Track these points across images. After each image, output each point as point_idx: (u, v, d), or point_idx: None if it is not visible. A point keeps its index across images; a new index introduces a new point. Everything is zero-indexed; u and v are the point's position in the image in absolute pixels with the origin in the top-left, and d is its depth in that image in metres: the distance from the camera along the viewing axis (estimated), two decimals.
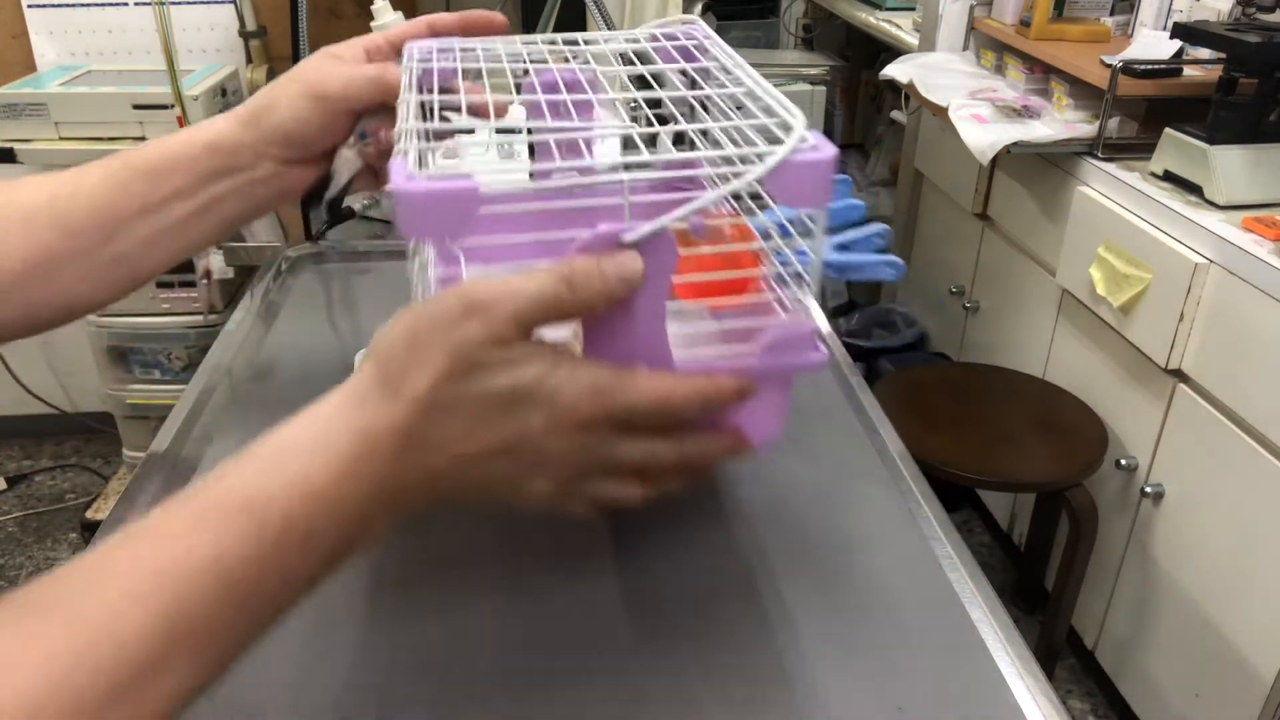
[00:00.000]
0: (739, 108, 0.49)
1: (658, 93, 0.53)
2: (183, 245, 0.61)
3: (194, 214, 0.61)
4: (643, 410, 0.43)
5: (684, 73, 0.56)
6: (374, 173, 0.66)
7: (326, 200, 0.66)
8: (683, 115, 0.50)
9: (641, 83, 0.54)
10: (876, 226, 0.59)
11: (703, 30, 0.60)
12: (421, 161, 0.45)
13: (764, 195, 0.46)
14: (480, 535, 0.60)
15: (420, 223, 0.42)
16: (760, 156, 0.43)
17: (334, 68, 0.62)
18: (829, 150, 0.43)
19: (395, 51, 0.64)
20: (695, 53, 0.58)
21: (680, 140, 0.49)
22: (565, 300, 0.41)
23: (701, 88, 0.52)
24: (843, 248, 0.59)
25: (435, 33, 0.65)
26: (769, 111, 0.47)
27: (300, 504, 0.38)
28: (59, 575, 0.36)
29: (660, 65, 0.58)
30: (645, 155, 0.45)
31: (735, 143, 0.46)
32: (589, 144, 0.54)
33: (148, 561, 0.36)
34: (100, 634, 0.34)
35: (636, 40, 0.61)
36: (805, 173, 0.43)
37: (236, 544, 0.37)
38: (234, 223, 0.63)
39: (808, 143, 0.43)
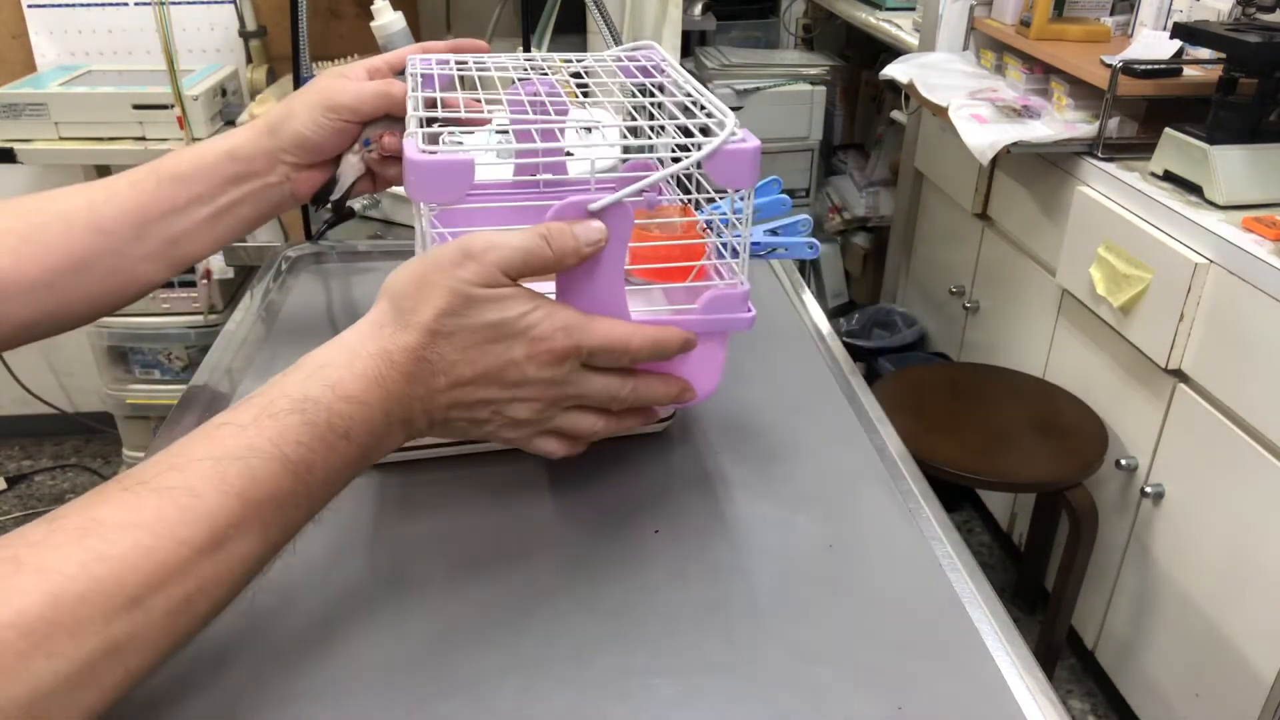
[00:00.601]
0: (686, 111, 0.60)
1: (623, 99, 0.64)
2: (207, 242, 0.70)
3: (214, 215, 0.69)
4: (605, 349, 0.52)
5: (643, 86, 0.69)
6: (373, 177, 0.74)
7: (332, 201, 0.74)
8: (641, 116, 0.60)
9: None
10: (801, 216, 0.68)
11: (659, 54, 0.72)
12: (426, 142, 0.55)
13: (708, 188, 0.60)
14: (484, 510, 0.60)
15: (427, 187, 0.52)
16: (699, 146, 0.54)
17: (345, 84, 0.70)
18: (754, 142, 0.55)
19: (394, 73, 0.73)
20: (653, 70, 0.70)
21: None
22: (544, 253, 0.50)
23: (657, 96, 0.64)
24: (772, 233, 0.68)
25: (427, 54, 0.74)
26: (709, 114, 0.58)
27: (340, 406, 0.47)
28: (151, 461, 0.44)
29: (623, 79, 0.71)
30: (614, 142, 0.57)
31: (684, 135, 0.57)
32: (561, 133, 0.67)
33: (225, 448, 0.44)
34: (185, 506, 0.41)
35: (604, 60, 0.72)
36: (735, 158, 0.54)
37: (293, 435, 0.45)
38: (250, 223, 0.72)
39: (737, 136, 0.55)
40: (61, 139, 1.91)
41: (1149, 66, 1.52)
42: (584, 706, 0.48)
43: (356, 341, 0.49)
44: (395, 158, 0.73)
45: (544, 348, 0.50)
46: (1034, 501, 1.80)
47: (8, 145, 1.88)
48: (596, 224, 0.52)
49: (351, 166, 0.73)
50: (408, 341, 0.48)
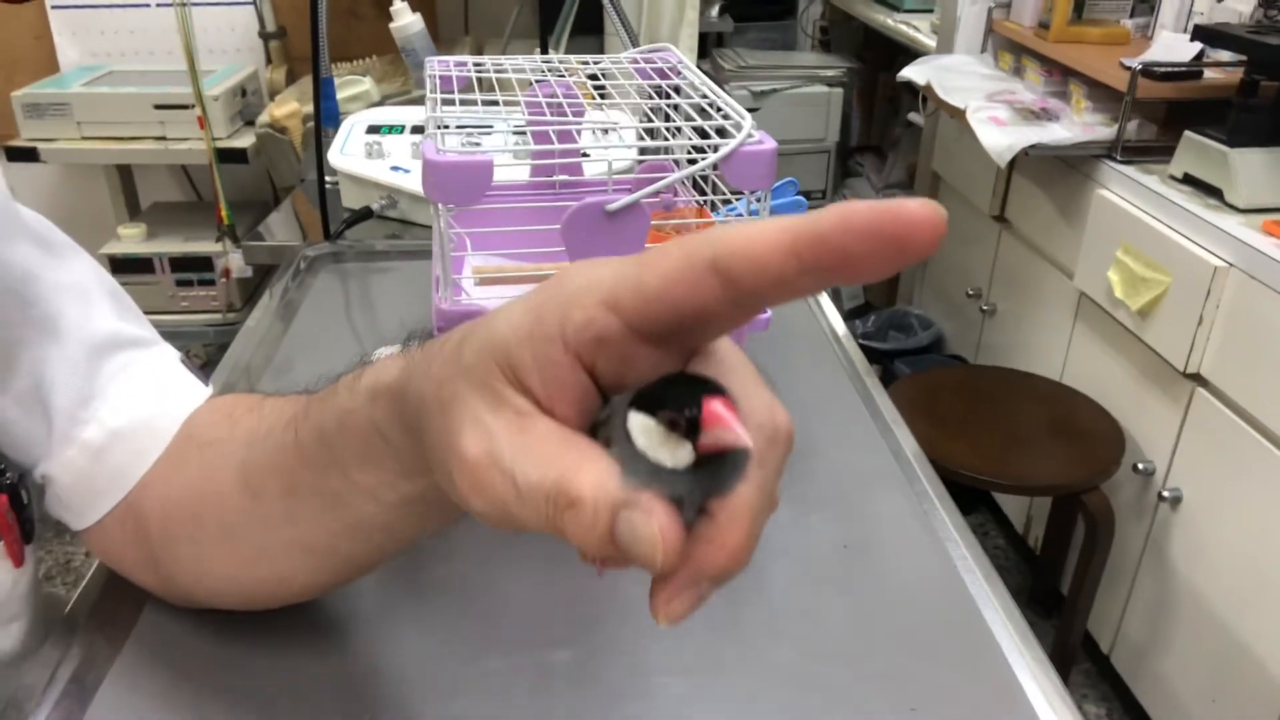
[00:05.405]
0: (702, 113, 0.60)
1: (641, 101, 0.65)
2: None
3: None
4: None
5: (659, 88, 0.69)
6: None
7: None
8: (658, 118, 0.61)
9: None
10: None
11: (676, 56, 0.72)
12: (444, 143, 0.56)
13: (725, 190, 0.60)
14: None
15: (445, 188, 0.52)
16: (716, 147, 0.54)
17: None
18: (770, 143, 0.55)
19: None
20: (669, 72, 0.70)
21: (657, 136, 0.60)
22: None
23: (674, 98, 0.65)
24: None
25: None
26: (726, 116, 0.58)
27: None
28: None
29: (640, 81, 0.71)
30: (630, 143, 0.59)
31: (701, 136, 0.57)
32: (578, 135, 0.67)
33: None
34: None
35: (621, 62, 0.73)
36: (752, 159, 0.55)
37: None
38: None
39: (754, 138, 0.55)
40: (84, 138, 1.93)
41: (1169, 69, 1.51)
42: (596, 705, 0.48)
43: None
44: None
45: None
46: (1050, 505, 1.79)
47: (31, 144, 1.90)
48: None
49: None
50: None
